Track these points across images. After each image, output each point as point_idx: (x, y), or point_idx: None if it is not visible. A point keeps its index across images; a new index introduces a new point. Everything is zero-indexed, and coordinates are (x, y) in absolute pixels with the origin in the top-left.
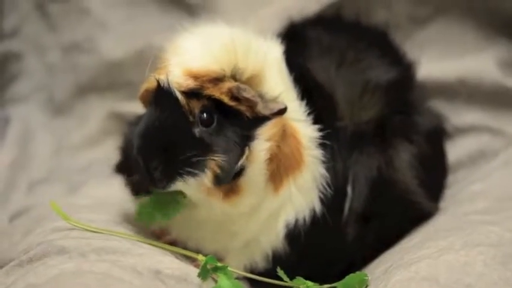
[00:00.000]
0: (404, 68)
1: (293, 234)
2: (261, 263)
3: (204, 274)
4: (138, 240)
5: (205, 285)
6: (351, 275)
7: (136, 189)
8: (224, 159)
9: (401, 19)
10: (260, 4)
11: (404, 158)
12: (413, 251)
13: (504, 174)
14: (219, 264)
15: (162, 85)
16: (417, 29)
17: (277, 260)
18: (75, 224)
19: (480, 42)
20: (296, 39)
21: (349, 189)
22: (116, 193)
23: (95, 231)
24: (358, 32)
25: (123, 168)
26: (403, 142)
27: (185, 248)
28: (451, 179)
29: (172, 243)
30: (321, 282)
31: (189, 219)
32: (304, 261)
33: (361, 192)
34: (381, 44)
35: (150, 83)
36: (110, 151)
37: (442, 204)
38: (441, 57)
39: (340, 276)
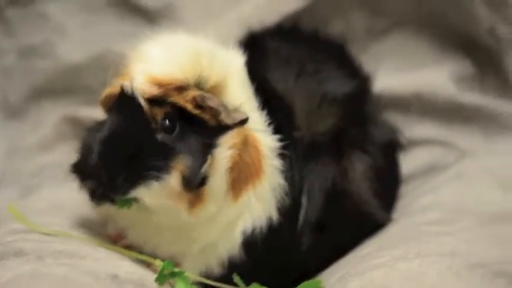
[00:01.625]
0: (361, 81)
1: (250, 242)
2: (216, 269)
3: (161, 279)
4: (96, 245)
5: None
6: (306, 282)
7: (97, 197)
8: (189, 162)
9: (358, 31)
10: (219, 13)
11: (359, 169)
12: (367, 259)
13: (455, 186)
14: (176, 269)
15: (125, 91)
16: (374, 42)
17: (233, 266)
18: (33, 227)
19: (436, 56)
20: (255, 49)
21: (304, 199)
22: (71, 196)
23: (52, 234)
24: (316, 44)
25: (79, 170)
26: (358, 153)
27: (141, 253)
28: (403, 190)
29: (128, 247)
30: None
31: (146, 224)
32: (259, 268)
33: (316, 202)
34: (339, 56)
35: (112, 89)
36: (64, 156)
37: (395, 215)
38: (397, 71)
39: (294, 284)
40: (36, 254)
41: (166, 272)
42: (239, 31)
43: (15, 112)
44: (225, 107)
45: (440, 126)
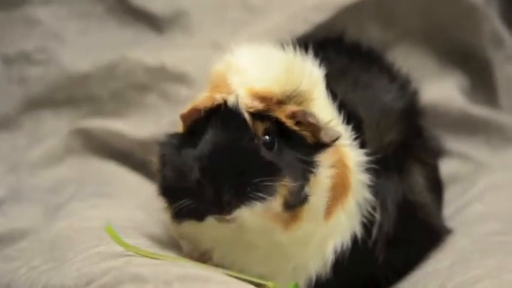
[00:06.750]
0: (412, 92)
1: (337, 260)
2: None
3: None
4: (204, 268)
5: None
6: None
7: (190, 216)
8: (294, 184)
9: (374, 43)
10: (241, 24)
11: (422, 181)
12: (457, 272)
13: (495, 198)
14: None
15: (230, 105)
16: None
17: (319, 285)
18: (134, 250)
19: (440, 68)
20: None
21: (377, 213)
22: (121, 215)
23: (156, 258)
24: (363, 55)
25: (171, 192)
26: (419, 166)
27: None
28: None
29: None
30: None
31: (235, 243)
32: (341, 284)
33: (390, 215)
34: (386, 67)
35: (202, 102)
36: (78, 170)
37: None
38: None
39: None
40: (159, 279)
41: None
42: (269, 42)
43: (4, 124)
44: (323, 124)
45: (454, 138)
